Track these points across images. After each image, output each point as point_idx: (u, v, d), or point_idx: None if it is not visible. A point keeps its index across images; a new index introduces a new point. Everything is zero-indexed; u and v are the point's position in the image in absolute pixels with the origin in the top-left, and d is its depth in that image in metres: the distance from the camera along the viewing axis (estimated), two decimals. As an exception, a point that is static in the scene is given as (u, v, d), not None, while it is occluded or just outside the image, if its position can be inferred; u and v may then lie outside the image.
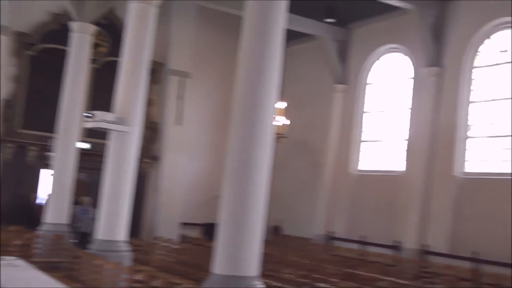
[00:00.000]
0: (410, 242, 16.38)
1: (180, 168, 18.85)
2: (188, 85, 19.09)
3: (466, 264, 14.50)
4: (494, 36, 16.01)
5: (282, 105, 16.68)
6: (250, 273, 7.40)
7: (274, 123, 8.54)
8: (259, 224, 7.55)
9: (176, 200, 18.55)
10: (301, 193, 20.51)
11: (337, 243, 18.40)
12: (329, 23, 19.37)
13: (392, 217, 17.24)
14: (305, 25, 19.21)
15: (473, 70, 16.33)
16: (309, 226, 19.63)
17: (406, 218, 16.73)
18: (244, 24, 8.03)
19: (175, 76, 18.85)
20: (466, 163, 16.05)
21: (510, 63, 15.47)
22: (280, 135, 16.45)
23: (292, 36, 16.50)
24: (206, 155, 20.27)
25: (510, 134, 15.20)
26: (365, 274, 11.82)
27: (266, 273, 9.16)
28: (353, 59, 19.91)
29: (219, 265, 7.42)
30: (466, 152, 16.09)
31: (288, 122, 17.21)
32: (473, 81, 16.31)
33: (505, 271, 13.43)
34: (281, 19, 8.00)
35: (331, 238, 18.85)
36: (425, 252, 15.92)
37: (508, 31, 15.64)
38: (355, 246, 17.67)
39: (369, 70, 19.55)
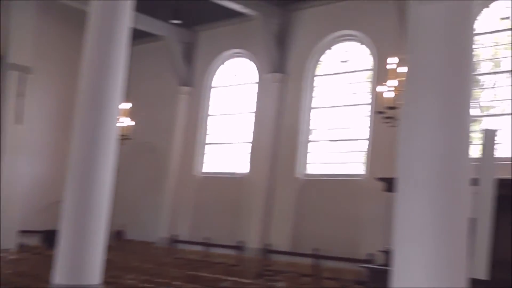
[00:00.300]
0: (253, 242, 16.72)
1: (19, 171, 17.64)
2: (30, 81, 17.97)
3: (308, 261, 15.09)
4: (335, 47, 16.87)
5: (127, 105, 16.29)
6: (92, 281, 7.12)
7: (119, 124, 8.30)
8: (102, 230, 7.28)
9: (14, 206, 17.27)
10: (145, 196, 20.18)
11: (181, 246, 18.32)
12: (175, 24, 19.24)
13: (236, 218, 17.50)
14: (151, 25, 18.92)
15: (315, 78, 17.08)
16: (153, 229, 19.35)
17: (249, 218, 17.08)
18: (89, 21, 7.72)
19: (15, 71, 17.61)
20: (307, 165, 16.74)
21: (349, 73, 16.45)
22: (124, 137, 16.02)
23: (138, 35, 16.18)
24: (49, 157, 19.26)
25: (348, 138, 16.17)
26: (209, 275, 11.89)
27: (108, 280, 8.87)
28: (199, 61, 19.97)
29: (59, 275, 7.05)
30: (308, 154, 16.79)
31: (132, 123, 16.84)
32: (315, 88, 17.05)
33: (344, 265, 14.22)
34: (127, 17, 7.79)
35: (175, 241, 18.72)
36: (268, 251, 16.34)
37: (347, 43, 16.62)
38: (199, 248, 17.70)
39: (214, 73, 19.71)
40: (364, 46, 16.15)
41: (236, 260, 16.01)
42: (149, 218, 19.69)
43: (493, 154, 5.18)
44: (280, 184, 16.81)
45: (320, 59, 17.06)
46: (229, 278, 11.65)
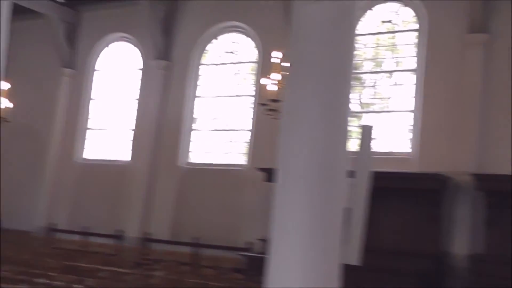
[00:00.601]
0: (133, 231, 16.49)
1: None
2: None
3: (187, 250, 15.12)
4: (221, 37, 16.95)
5: (5, 86, 15.48)
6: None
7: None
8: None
9: None
10: (22, 182, 19.22)
11: (60, 235, 17.67)
12: (58, 2, 18.50)
13: (116, 206, 17.17)
14: (32, 1, 18.05)
15: (200, 67, 17.09)
16: (30, 218, 18.52)
17: (130, 207, 16.83)
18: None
19: None
20: (190, 154, 16.74)
21: (234, 64, 16.65)
22: (2, 119, 15.28)
23: (18, 11, 15.47)
24: None
25: (232, 128, 16.38)
26: (86, 265, 11.67)
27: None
28: (82, 43, 19.29)
29: None
30: (191, 143, 16.79)
31: (11, 105, 16.04)
32: (200, 77, 17.06)
33: (223, 253, 14.41)
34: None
35: (53, 230, 18.03)
36: (148, 240, 16.19)
37: (234, 34, 16.77)
38: (77, 237, 17.17)
39: (98, 56, 19.16)
40: (249, 39, 16.39)
41: (114, 249, 15.73)
42: (26, 206, 18.81)
43: (369, 149, 5.42)
44: (162, 173, 16.70)
45: (206, 48, 17.09)
46: (106, 267, 11.49)
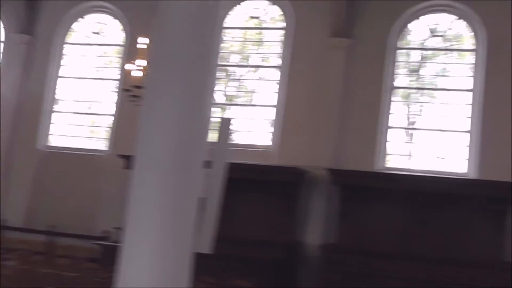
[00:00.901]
0: (-16, 217, 15.63)
1: None
2: None
3: (42, 238, 14.59)
4: (87, 17, 16.43)
5: None
6: None
7: None
8: None
9: None
10: None
11: None
12: None
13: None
14: None
15: (65, 46, 16.46)
16: None
17: (-18, 191, 15.93)
18: None
19: None
20: (50, 137, 16.11)
21: (100, 46, 16.26)
22: None
23: None
24: None
25: (94, 112, 16.05)
26: None
27: None
28: None
29: None
30: (51, 126, 16.15)
31: None
32: (64, 56, 16.43)
33: (79, 242, 14.10)
34: None
35: None
36: (1, 227, 15.39)
37: (101, 15, 16.33)
38: None
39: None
40: (117, 21, 16.03)
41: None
42: None
43: (227, 140, 5.52)
44: (19, 155, 15.88)
45: (72, 26, 16.49)
46: (-47, 259, 10.84)
